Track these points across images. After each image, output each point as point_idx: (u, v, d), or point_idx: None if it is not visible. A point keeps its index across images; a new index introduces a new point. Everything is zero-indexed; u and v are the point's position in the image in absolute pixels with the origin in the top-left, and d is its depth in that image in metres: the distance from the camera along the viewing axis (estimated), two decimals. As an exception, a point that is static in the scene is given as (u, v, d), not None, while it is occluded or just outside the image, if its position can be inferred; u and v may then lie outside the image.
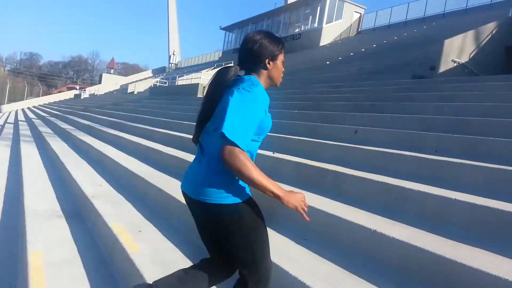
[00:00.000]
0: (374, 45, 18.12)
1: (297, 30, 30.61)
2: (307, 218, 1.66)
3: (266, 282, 1.77)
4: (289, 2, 31.61)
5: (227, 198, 1.63)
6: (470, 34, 9.40)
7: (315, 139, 5.13)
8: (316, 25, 28.17)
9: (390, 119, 5.31)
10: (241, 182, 1.66)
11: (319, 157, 4.41)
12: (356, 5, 28.67)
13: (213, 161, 1.64)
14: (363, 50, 17.81)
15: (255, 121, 1.60)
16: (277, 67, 1.78)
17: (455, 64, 8.86)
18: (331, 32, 27.75)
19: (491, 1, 20.02)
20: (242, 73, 1.77)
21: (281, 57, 1.79)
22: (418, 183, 3.08)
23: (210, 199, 1.63)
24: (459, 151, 3.78)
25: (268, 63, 1.75)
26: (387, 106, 6.16)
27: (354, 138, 4.99)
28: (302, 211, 1.63)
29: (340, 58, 17.29)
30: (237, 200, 1.65)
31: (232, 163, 1.48)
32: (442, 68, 8.73)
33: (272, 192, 1.54)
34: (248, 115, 1.57)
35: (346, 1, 28.12)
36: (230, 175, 1.57)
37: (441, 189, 2.84)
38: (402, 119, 5.19)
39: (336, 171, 3.60)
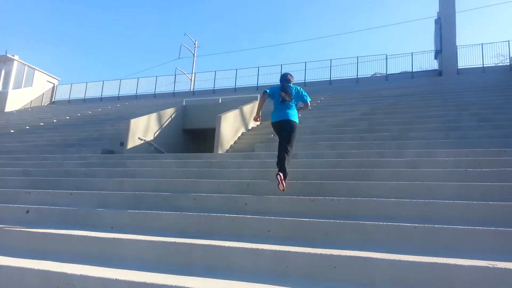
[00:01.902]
0: (68, 117, 17.46)
1: (-26, 91, 25.86)
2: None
3: (293, 151, 4.72)
4: (-38, 58, 26.57)
5: (297, 119, 4.65)
6: (153, 115, 10.54)
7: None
8: (0, 89, 24.75)
9: (70, 196, 5.01)
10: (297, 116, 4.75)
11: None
12: (49, 75, 27.23)
13: (293, 108, 4.67)
14: (55, 120, 16.79)
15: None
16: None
17: (142, 142, 9.60)
18: (19, 99, 24.96)
19: (173, 90, 23.65)
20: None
21: None
22: (88, 265, 2.92)
23: (293, 119, 4.57)
24: (134, 226, 3.92)
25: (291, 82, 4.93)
26: (69, 182, 5.82)
27: (25, 220, 4.37)
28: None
29: (27, 127, 15.59)
30: (298, 122, 4.67)
31: (310, 107, 4.99)
32: (130, 145, 9.23)
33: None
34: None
35: (36, 69, 26.30)
36: (297, 113, 4.75)
37: (108, 269, 2.78)
38: (82, 195, 4.99)
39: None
